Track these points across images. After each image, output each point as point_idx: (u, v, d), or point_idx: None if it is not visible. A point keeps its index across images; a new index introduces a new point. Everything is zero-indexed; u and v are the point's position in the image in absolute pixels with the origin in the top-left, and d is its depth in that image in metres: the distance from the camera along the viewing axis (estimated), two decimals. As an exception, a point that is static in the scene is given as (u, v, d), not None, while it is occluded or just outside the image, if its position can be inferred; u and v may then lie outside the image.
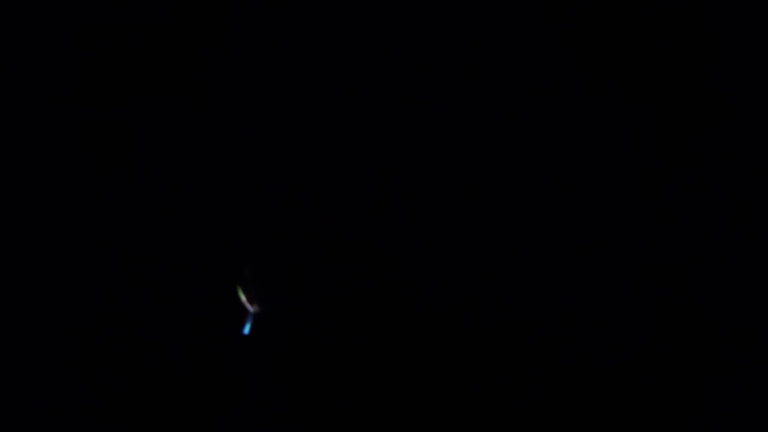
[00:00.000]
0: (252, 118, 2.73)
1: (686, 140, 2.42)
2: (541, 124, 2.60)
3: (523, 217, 2.46)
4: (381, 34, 2.72)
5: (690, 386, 1.93)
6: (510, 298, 2.26)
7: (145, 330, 2.13)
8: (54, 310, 2.17)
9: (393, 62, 2.73)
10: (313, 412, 1.98)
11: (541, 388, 2.01)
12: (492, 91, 2.68)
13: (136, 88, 2.58)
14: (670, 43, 2.48)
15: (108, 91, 2.58)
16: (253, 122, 2.72)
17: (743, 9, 2.36)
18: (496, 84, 2.68)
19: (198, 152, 2.57)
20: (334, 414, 1.98)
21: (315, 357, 2.12)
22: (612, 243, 2.32)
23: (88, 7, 2.57)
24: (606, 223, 2.37)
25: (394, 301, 2.22)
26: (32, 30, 2.54)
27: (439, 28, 2.71)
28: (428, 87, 2.72)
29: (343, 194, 2.55)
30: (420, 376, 2.06)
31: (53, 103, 2.51)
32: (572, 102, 2.58)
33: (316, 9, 2.73)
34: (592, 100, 2.56)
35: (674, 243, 2.27)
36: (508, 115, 2.64)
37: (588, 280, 2.24)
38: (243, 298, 2.13)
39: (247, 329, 1.99)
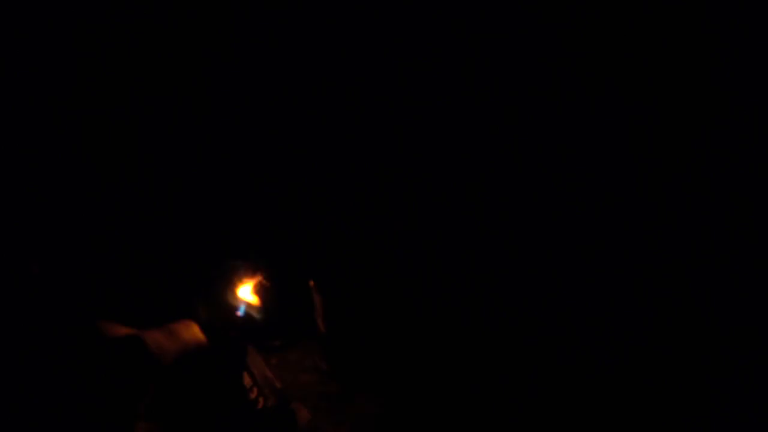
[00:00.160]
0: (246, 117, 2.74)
1: (686, 140, 2.43)
2: (541, 124, 2.61)
3: (523, 217, 2.46)
4: (381, 34, 2.72)
5: (690, 386, 1.95)
6: (510, 297, 2.27)
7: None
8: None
9: (393, 62, 2.73)
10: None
11: (542, 388, 2.02)
12: (492, 91, 2.68)
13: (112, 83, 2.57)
14: (670, 43, 2.48)
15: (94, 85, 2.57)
16: (248, 122, 2.73)
17: (743, 9, 2.36)
18: (496, 84, 2.68)
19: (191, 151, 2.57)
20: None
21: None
22: (612, 243, 2.33)
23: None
24: (606, 223, 2.38)
25: (394, 301, 2.23)
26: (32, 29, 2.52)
27: (439, 28, 2.71)
28: (428, 87, 2.73)
29: (342, 194, 2.56)
30: (421, 377, 2.07)
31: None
32: (572, 102, 2.59)
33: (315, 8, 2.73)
34: (592, 101, 2.57)
35: (674, 243, 2.28)
36: (508, 115, 2.65)
37: (588, 280, 2.25)
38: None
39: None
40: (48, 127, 2.50)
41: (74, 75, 2.53)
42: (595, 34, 2.56)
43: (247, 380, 1.66)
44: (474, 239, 2.43)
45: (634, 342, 2.12)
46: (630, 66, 2.53)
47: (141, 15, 2.58)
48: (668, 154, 2.44)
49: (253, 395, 1.75)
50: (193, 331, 1.08)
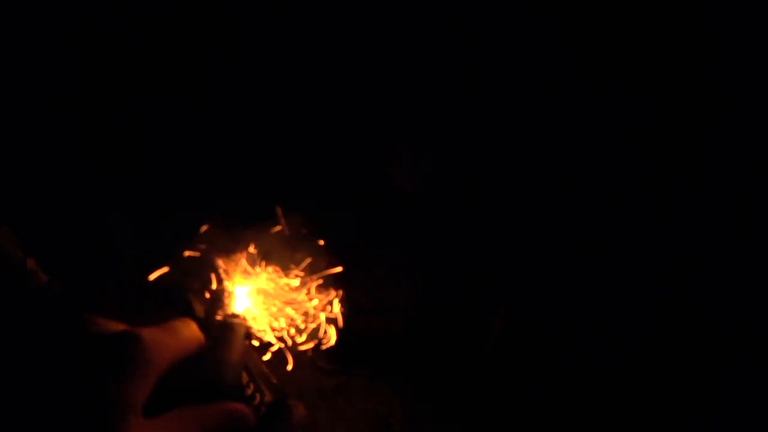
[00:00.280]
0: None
1: (686, 140, 2.42)
2: (541, 124, 2.60)
3: (522, 217, 2.46)
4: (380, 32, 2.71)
5: (690, 386, 1.94)
6: (508, 295, 2.27)
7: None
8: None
9: (393, 61, 2.72)
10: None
11: (542, 388, 2.01)
12: (492, 91, 2.67)
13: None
14: (670, 43, 2.47)
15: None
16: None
17: (743, 9, 2.35)
18: (497, 84, 2.67)
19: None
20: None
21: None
22: (612, 243, 2.32)
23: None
24: (606, 223, 2.37)
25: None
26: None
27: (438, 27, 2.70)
28: (427, 86, 2.72)
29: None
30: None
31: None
32: (572, 102, 2.58)
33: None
34: (592, 100, 2.56)
35: (674, 243, 2.28)
36: (508, 115, 2.64)
37: (588, 280, 2.25)
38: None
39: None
40: (45, 125, 2.50)
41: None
42: (595, 34, 2.55)
43: (243, 377, 1.65)
44: (471, 237, 2.42)
45: (635, 342, 2.12)
46: (630, 66, 2.52)
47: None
48: (668, 154, 2.43)
49: (249, 391, 1.74)
50: (192, 330, 1.04)
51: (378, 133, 2.65)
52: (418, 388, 2.00)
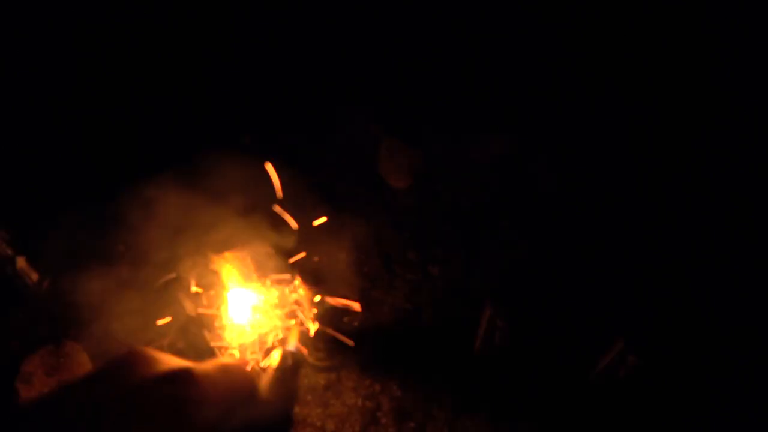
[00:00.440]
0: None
1: (686, 140, 2.41)
2: (541, 123, 2.60)
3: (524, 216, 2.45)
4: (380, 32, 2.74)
5: (690, 386, 1.92)
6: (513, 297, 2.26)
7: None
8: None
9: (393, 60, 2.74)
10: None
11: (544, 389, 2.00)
12: (492, 90, 2.68)
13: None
14: (670, 43, 2.47)
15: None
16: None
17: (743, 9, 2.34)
18: (497, 84, 2.68)
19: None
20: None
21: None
22: (612, 243, 2.31)
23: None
24: (607, 223, 2.36)
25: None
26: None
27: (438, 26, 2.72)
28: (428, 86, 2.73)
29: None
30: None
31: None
32: (572, 102, 2.58)
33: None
34: (591, 99, 2.56)
35: (674, 243, 2.26)
36: (508, 114, 2.65)
37: (580, 273, 2.23)
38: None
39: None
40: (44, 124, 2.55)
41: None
42: (595, 34, 2.56)
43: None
44: (461, 232, 2.43)
45: (636, 342, 2.10)
46: (630, 66, 2.52)
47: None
48: (668, 154, 2.42)
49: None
50: (246, 374, 0.98)
51: (369, 127, 2.67)
52: (407, 384, 1.99)
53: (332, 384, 2.00)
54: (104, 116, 2.62)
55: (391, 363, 2.03)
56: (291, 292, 2.06)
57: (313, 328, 1.97)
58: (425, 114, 2.68)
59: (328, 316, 2.11)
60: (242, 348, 1.88)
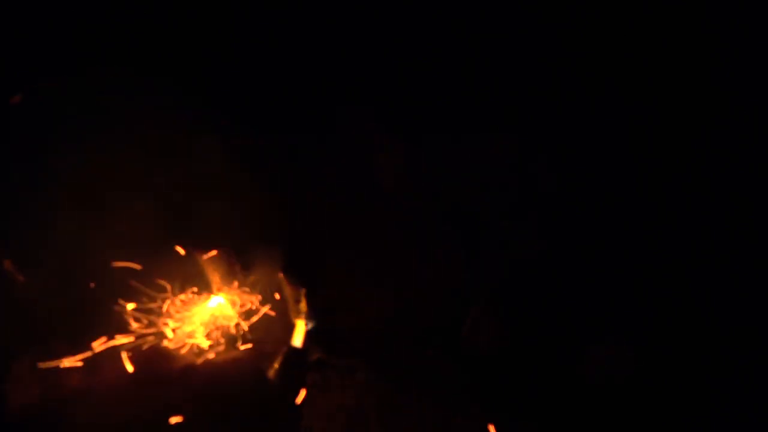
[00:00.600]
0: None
1: (686, 140, 2.39)
2: (541, 124, 2.59)
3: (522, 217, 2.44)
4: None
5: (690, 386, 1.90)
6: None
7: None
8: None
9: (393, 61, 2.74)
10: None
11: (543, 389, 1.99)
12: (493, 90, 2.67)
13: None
14: (670, 43, 2.46)
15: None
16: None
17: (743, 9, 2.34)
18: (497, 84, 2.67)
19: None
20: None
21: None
22: (612, 243, 2.29)
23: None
24: (606, 223, 2.34)
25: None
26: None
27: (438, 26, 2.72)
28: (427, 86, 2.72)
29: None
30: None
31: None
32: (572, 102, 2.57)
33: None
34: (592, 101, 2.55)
35: (674, 243, 2.24)
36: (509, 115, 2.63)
37: (588, 280, 2.22)
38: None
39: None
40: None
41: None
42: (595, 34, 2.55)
43: None
44: (449, 232, 2.41)
45: (637, 342, 2.08)
46: (630, 66, 2.51)
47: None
48: (668, 154, 2.40)
49: None
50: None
51: (360, 129, 2.66)
52: (393, 382, 1.99)
53: (319, 382, 1.99)
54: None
55: (377, 361, 2.02)
56: (274, 290, 2.08)
57: (300, 325, 1.98)
58: (425, 114, 2.66)
59: (314, 315, 2.11)
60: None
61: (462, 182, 2.52)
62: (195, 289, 2.20)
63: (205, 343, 2.14)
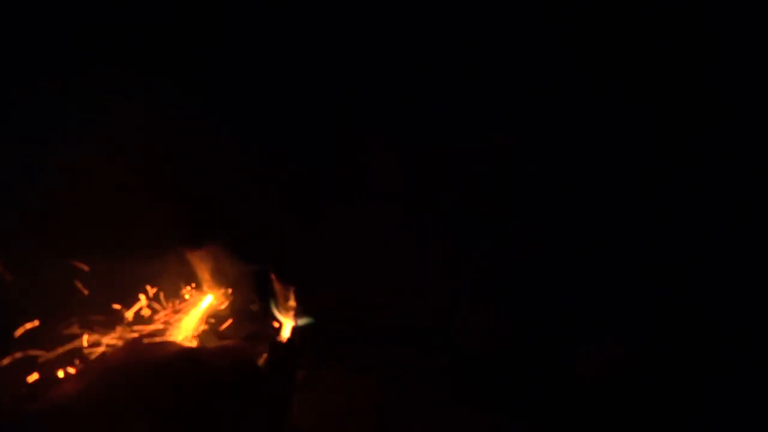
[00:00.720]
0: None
1: (686, 140, 2.40)
2: (542, 124, 2.59)
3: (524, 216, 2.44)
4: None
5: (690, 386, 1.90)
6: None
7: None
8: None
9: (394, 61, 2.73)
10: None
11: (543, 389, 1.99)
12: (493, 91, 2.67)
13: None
14: (670, 43, 2.46)
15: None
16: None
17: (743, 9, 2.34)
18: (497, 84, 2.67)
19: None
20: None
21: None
22: (612, 243, 2.29)
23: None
24: (607, 223, 2.34)
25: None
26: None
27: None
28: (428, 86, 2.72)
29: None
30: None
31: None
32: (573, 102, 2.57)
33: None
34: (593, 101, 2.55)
35: (674, 243, 2.24)
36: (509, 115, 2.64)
37: (588, 280, 2.22)
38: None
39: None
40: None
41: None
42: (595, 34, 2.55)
43: None
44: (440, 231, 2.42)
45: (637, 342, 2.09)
46: (630, 66, 2.51)
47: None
48: (668, 155, 2.41)
49: None
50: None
51: (356, 129, 2.66)
52: (387, 381, 1.99)
53: (313, 382, 1.99)
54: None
55: (371, 361, 2.03)
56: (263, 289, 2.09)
57: (288, 321, 1.99)
58: (425, 114, 2.66)
59: (305, 312, 2.12)
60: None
61: (462, 182, 2.53)
62: (189, 287, 2.20)
63: (194, 339, 2.14)
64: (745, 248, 2.15)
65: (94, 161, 2.48)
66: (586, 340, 2.09)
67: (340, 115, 2.69)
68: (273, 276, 2.10)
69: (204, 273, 2.24)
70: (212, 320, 2.19)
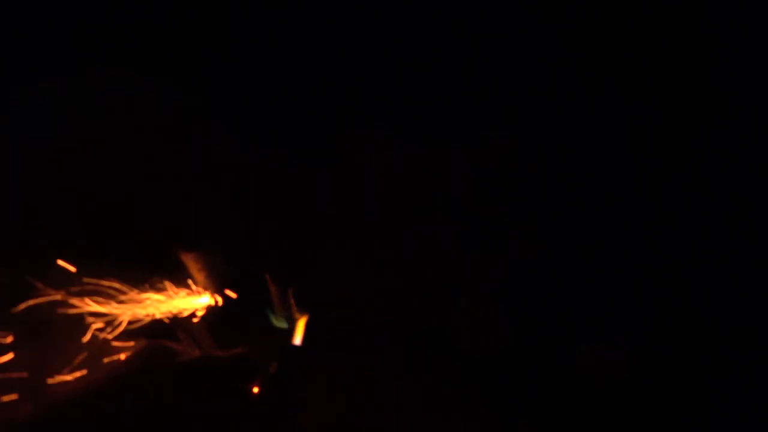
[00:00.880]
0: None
1: (686, 140, 2.40)
2: (541, 124, 2.59)
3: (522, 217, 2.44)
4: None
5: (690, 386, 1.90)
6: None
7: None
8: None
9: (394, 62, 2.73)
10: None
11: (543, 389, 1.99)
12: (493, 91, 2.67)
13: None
14: (670, 43, 2.46)
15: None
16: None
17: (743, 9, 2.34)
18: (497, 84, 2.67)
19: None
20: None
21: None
22: (612, 243, 2.29)
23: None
24: (606, 223, 2.34)
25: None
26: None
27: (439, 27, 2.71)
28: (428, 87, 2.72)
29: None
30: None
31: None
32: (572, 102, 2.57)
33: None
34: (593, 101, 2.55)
35: (674, 243, 2.24)
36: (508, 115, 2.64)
37: (588, 280, 2.22)
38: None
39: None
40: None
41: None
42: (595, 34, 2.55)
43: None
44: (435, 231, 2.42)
45: (635, 342, 2.09)
46: (630, 66, 2.51)
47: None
48: (668, 155, 2.41)
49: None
50: None
51: (356, 129, 2.66)
52: (387, 381, 1.99)
53: (315, 380, 2.00)
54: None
55: (367, 359, 2.03)
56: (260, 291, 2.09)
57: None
58: (425, 114, 2.67)
59: (302, 313, 2.12)
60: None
61: (462, 182, 2.53)
62: (185, 289, 2.20)
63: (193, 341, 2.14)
64: (745, 248, 2.15)
65: (94, 161, 2.48)
66: (586, 340, 2.09)
67: (340, 115, 2.69)
68: (268, 277, 2.09)
69: (200, 274, 2.24)
70: (209, 321, 2.18)
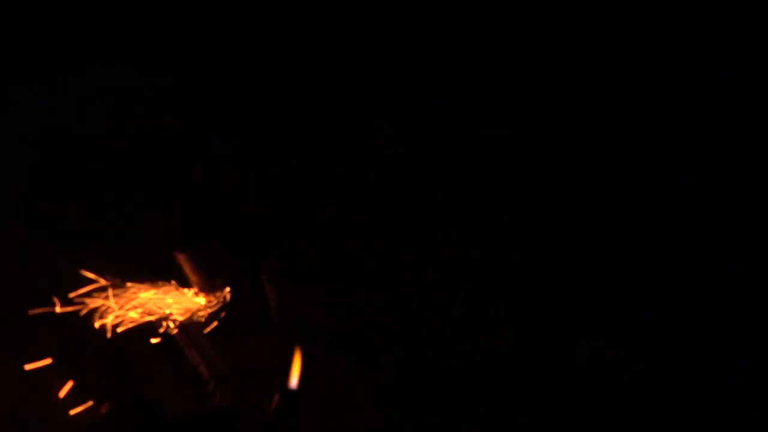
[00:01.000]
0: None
1: (686, 140, 2.40)
2: (542, 124, 2.59)
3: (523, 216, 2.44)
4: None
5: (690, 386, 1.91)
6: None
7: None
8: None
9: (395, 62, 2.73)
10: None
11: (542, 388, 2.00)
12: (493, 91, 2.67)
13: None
14: (670, 43, 2.46)
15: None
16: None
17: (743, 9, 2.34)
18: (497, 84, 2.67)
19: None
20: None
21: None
22: (612, 243, 2.30)
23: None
24: (606, 223, 2.35)
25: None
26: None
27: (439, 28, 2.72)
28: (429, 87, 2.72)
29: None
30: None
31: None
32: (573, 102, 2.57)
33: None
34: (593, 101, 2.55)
35: (674, 243, 2.25)
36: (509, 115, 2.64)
37: (588, 279, 2.22)
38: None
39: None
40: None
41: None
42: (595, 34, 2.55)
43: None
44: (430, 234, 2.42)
45: (634, 342, 2.09)
46: (630, 66, 2.51)
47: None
48: (668, 155, 2.41)
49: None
50: None
51: (356, 129, 2.66)
52: (386, 381, 1.99)
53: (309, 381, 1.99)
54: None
55: (360, 365, 2.03)
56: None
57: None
58: (425, 114, 2.67)
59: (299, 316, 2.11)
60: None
61: (462, 182, 2.53)
62: (182, 290, 2.18)
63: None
64: (745, 248, 2.15)
65: (93, 161, 2.48)
66: (586, 340, 2.10)
67: (340, 115, 2.69)
68: (265, 278, 2.09)
69: (196, 276, 2.23)
70: (205, 321, 2.16)
